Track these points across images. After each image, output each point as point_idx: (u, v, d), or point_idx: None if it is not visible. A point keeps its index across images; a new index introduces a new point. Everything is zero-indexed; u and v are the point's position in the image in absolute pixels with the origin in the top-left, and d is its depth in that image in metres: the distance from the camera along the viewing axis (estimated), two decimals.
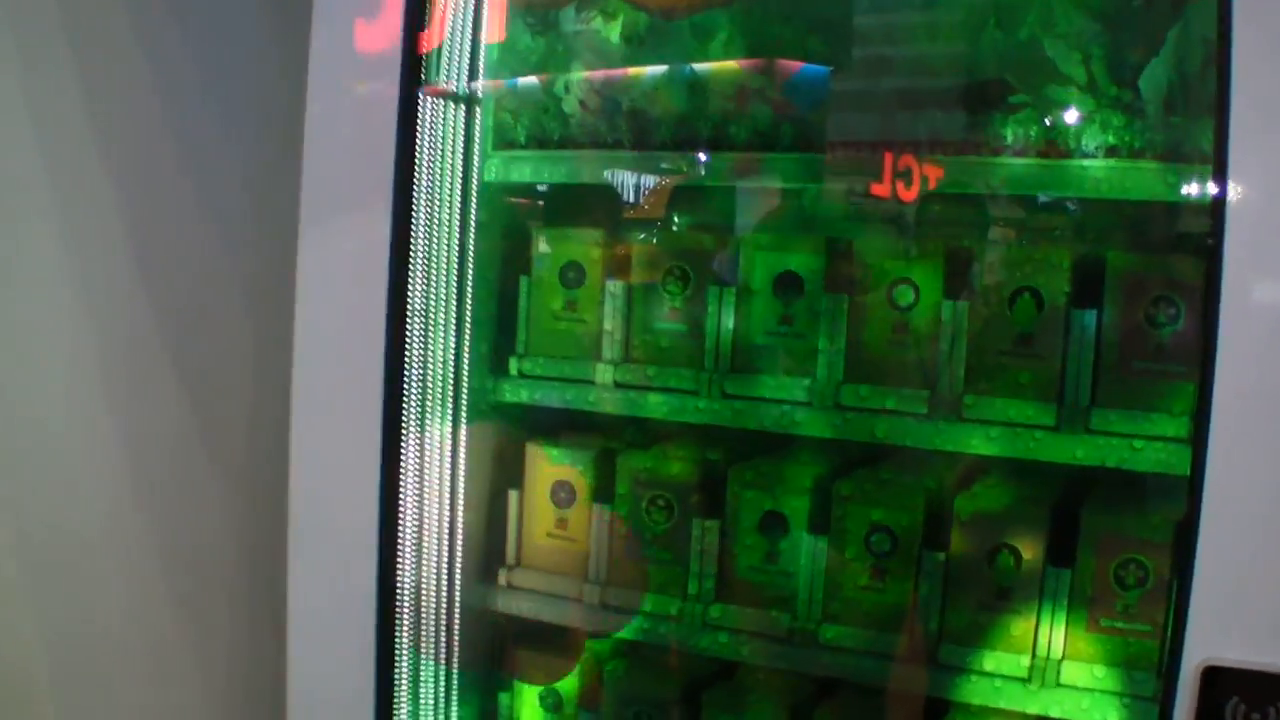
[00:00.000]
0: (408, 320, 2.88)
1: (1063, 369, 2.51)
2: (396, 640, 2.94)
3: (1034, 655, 2.59)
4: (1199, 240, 2.24)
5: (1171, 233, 2.65)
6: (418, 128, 2.88)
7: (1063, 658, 2.57)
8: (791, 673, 2.91)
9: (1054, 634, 2.57)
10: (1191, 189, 2.42)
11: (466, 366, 3.10)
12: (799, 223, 2.93)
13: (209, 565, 3.39)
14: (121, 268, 3.08)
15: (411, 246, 2.89)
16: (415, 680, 3.02)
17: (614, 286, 3.05)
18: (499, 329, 3.24)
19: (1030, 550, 2.56)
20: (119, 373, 3.14)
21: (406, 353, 2.90)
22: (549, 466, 3.18)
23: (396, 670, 2.95)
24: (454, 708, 3.11)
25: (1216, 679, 2.09)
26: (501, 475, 3.29)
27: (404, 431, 2.91)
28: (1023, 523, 2.65)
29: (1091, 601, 2.54)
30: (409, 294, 2.87)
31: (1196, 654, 2.11)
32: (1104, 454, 2.47)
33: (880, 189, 2.69)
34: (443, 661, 3.08)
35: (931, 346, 2.68)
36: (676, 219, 3.20)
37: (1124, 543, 2.53)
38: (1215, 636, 2.11)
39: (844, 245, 2.82)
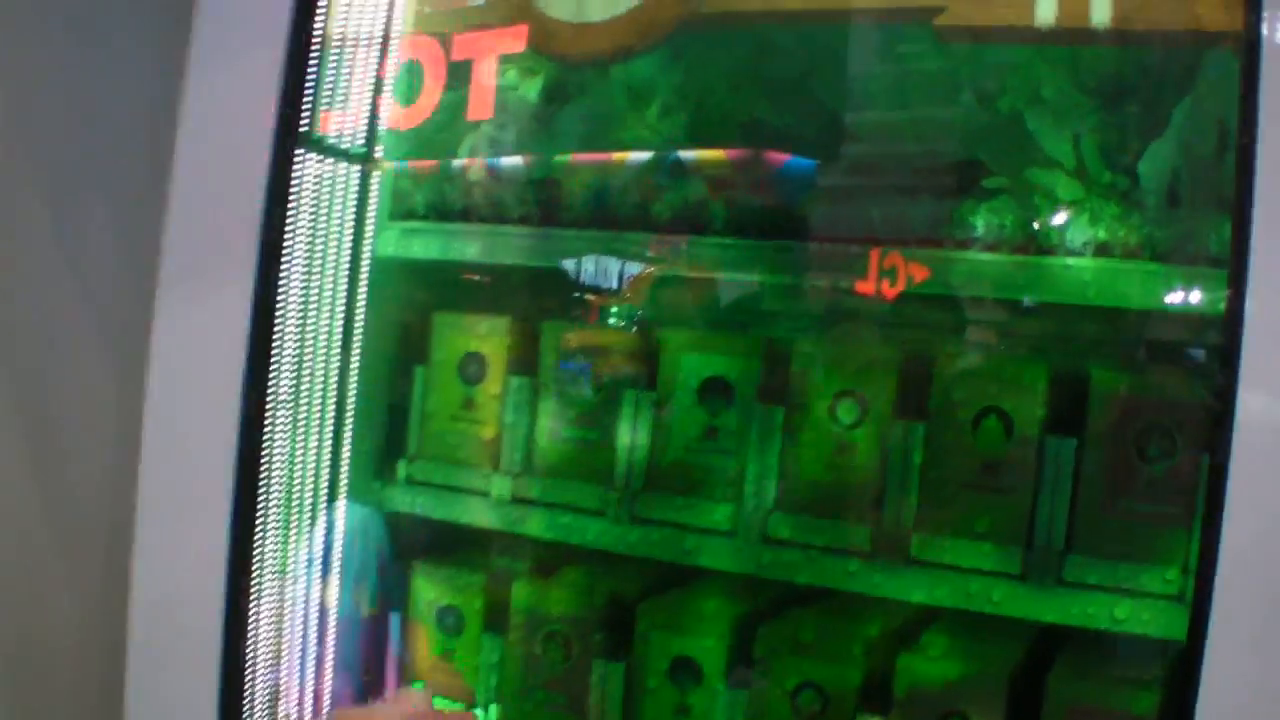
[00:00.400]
0: (266, 410, 2.47)
1: (1033, 507, 2.18)
2: None
3: None
4: (1202, 358, 2.00)
5: (1169, 348, 2.26)
6: (292, 188, 2.46)
7: None
8: None
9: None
10: (1196, 297, 2.05)
11: (345, 468, 2.60)
12: (731, 319, 2.47)
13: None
14: None
15: (278, 325, 2.49)
16: None
17: (517, 383, 2.59)
18: (389, 426, 2.78)
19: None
20: None
21: (265, 447, 2.49)
22: (432, 590, 2.79)
23: None
24: None
25: None
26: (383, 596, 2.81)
27: (258, 538, 2.50)
28: (978, 690, 2.26)
29: None
30: (269, 380, 2.47)
31: None
32: (1079, 612, 2.11)
33: (825, 282, 2.39)
34: None
35: (878, 473, 2.30)
36: (592, 309, 2.74)
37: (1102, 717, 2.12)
38: None
39: (782, 348, 2.41)
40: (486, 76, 2.63)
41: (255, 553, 2.50)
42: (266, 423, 2.47)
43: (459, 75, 2.63)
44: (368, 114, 2.65)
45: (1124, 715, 2.13)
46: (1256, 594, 1.68)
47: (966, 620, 2.35)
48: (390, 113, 2.67)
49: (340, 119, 2.57)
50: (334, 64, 2.53)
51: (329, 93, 2.54)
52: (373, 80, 2.65)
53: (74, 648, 2.90)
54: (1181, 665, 1.72)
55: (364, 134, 2.66)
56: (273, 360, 2.47)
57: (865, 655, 2.36)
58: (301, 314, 2.56)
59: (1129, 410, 2.13)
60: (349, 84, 2.60)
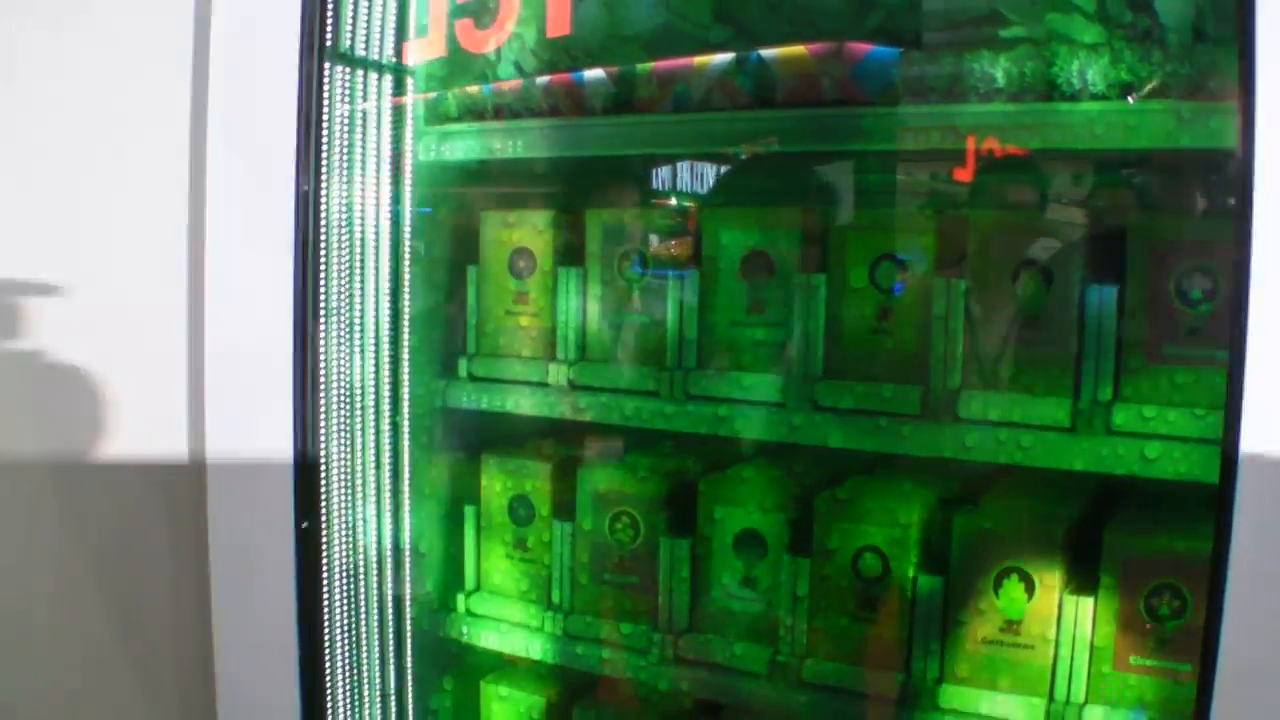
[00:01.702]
0: (320, 320, 2.51)
1: (1078, 358, 2.13)
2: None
3: (1051, 699, 2.20)
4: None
5: (1205, 189, 2.20)
6: (325, 101, 2.49)
7: (1084, 702, 2.18)
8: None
9: (1074, 673, 2.18)
10: (1226, 133, 1.90)
11: (406, 370, 2.64)
12: (767, 193, 2.45)
13: None
14: None
15: (324, 237, 2.50)
16: None
17: (567, 274, 2.60)
18: (447, 326, 2.81)
19: (1045, 576, 2.20)
20: None
21: (321, 355, 2.53)
22: (501, 482, 2.85)
23: None
24: None
25: None
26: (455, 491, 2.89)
27: (324, 444, 2.56)
28: (1034, 546, 2.25)
29: (1119, 637, 2.14)
30: (319, 291, 2.49)
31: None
32: (1124, 460, 2.08)
33: (856, 147, 2.33)
34: None
35: (922, 334, 2.27)
36: (636, 194, 2.74)
37: (1157, 566, 2.12)
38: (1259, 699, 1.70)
39: (820, 217, 2.39)
40: None
41: (321, 454, 2.55)
42: (321, 330, 2.49)
43: None
44: (395, 18, 2.62)
45: (1174, 561, 2.13)
46: None
47: (1024, 478, 2.36)
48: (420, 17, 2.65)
49: (365, 29, 2.55)
50: None
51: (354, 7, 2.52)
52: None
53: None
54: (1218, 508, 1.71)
55: (393, 44, 2.66)
56: (321, 268, 2.51)
57: (922, 518, 2.37)
58: (348, 221, 2.58)
59: (1167, 255, 2.10)
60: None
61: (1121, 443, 2.07)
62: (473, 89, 2.71)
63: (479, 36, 2.62)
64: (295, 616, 2.54)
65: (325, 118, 2.49)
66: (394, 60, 2.64)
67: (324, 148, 2.49)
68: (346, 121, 2.56)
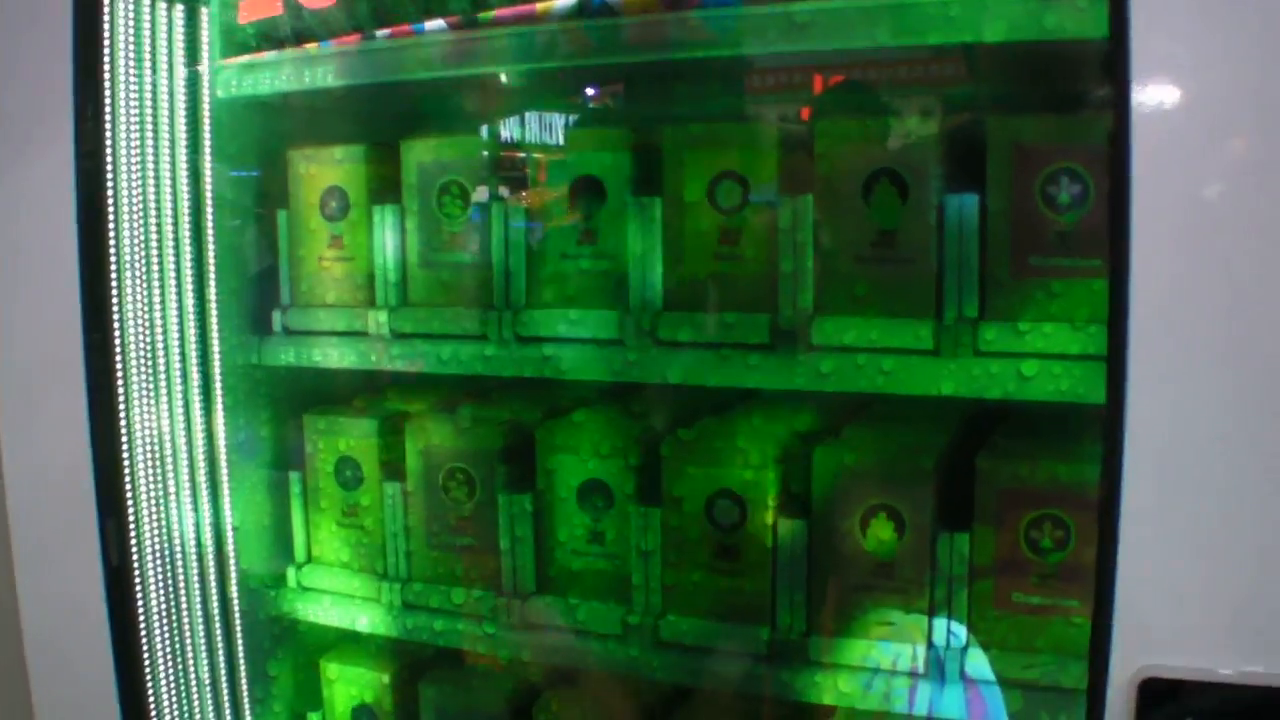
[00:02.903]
0: (112, 277, 2.30)
1: (939, 275, 1.93)
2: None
3: (929, 645, 2.04)
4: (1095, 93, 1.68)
5: (1072, 82, 1.95)
6: (105, 34, 2.26)
7: (966, 646, 1.98)
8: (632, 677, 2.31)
9: (954, 616, 2.00)
10: (1096, 15, 1.69)
11: (215, 327, 2.39)
12: (594, 113, 2.23)
13: None
14: None
15: (113, 184, 2.30)
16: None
17: (382, 213, 2.35)
18: (259, 277, 2.55)
19: (915, 513, 2.01)
20: None
21: (115, 316, 2.31)
22: (327, 443, 2.61)
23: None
24: None
25: (1158, 695, 1.52)
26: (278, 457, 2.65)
27: (123, 414, 2.33)
28: (902, 480, 2.06)
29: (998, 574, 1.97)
30: (108, 243, 2.29)
31: (1130, 657, 1.55)
32: (998, 381, 1.89)
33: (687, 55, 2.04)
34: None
35: (769, 257, 2.04)
36: (454, 124, 2.50)
37: (1036, 495, 1.94)
38: (1153, 633, 1.54)
39: (653, 136, 2.15)
40: None
41: (121, 421, 2.33)
42: (113, 284, 2.26)
43: None
44: None
45: (1055, 489, 1.94)
46: (1176, 340, 1.49)
47: (885, 413, 2.22)
48: None
49: None
50: None
51: None
52: None
53: None
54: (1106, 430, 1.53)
55: None
56: (110, 217, 2.27)
57: (778, 456, 2.16)
58: (141, 169, 2.32)
59: (1031, 157, 1.91)
60: None
61: (993, 362, 1.89)
62: (271, 14, 2.42)
63: None
64: (106, 614, 2.35)
65: (107, 52, 2.26)
66: None
67: (106, 85, 2.27)
68: (133, 56, 2.28)
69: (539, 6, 2.14)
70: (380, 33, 2.32)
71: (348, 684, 2.67)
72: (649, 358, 2.14)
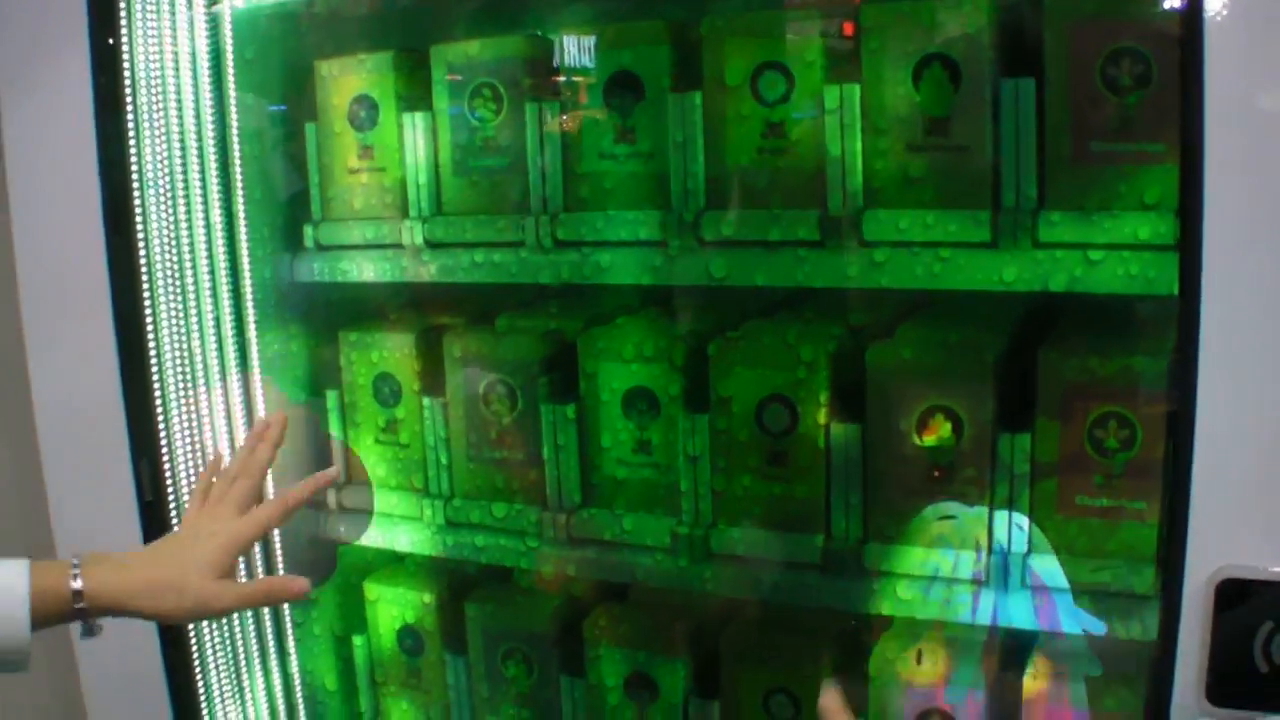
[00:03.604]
0: (134, 193, 2.25)
1: (995, 164, 1.85)
2: None
3: (990, 551, 1.95)
4: None
5: None
6: None
7: (1028, 552, 1.91)
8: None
9: (1013, 521, 1.92)
10: None
11: (244, 243, 2.32)
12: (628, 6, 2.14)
13: None
14: None
15: (133, 101, 2.25)
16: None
17: (412, 120, 2.28)
18: (288, 193, 2.53)
19: (975, 412, 1.93)
20: None
21: (140, 236, 2.27)
22: (362, 357, 2.55)
23: None
24: None
25: (1237, 596, 1.45)
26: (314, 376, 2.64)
27: (151, 336, 2.30)
28: (961, 380, 1.97)
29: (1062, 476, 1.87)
30: (129, 161, 2.24)
31: (1206, 558, 1.49)
32: (1062, 267, 1.81)
33: None
34: None
35: (815, 149, 1.98)
36: (483, 24, 2.41)
37: (1102, 391, 1.84)
38: (1233, 534, 1.47)
39: (690, 29, 2.08)
40: None
41: (149, 343, 2.28)
42: (136, 204, 2.22)
43: None
44: None
45: (1123, 386, 1.86)
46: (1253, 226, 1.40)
47: (942, 305, 2.12)
48: None
49: None
50: None
51: None
52: None
53: None
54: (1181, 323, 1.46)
55: None
56: (130, 134, 2.23)
57: (830, 354, 2.08)
58: (160, 85, 2.29)
59: (1090, 39, 1.80)
60: None
61: (1056, 251, 1.79)
62: None
63: None
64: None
65: None
66: None
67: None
68: None
69: None
70: None
71: (390, 605, 2.61)
72: (693, 257, 2.06)
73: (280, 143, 2.58)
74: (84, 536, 2.26)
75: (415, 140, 2.36)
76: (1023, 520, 1.91)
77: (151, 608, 1.60)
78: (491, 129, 2.27)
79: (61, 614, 1.56)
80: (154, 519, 2.25)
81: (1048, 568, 1.88)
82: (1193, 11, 1.41)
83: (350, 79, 2.42)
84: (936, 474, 1.99)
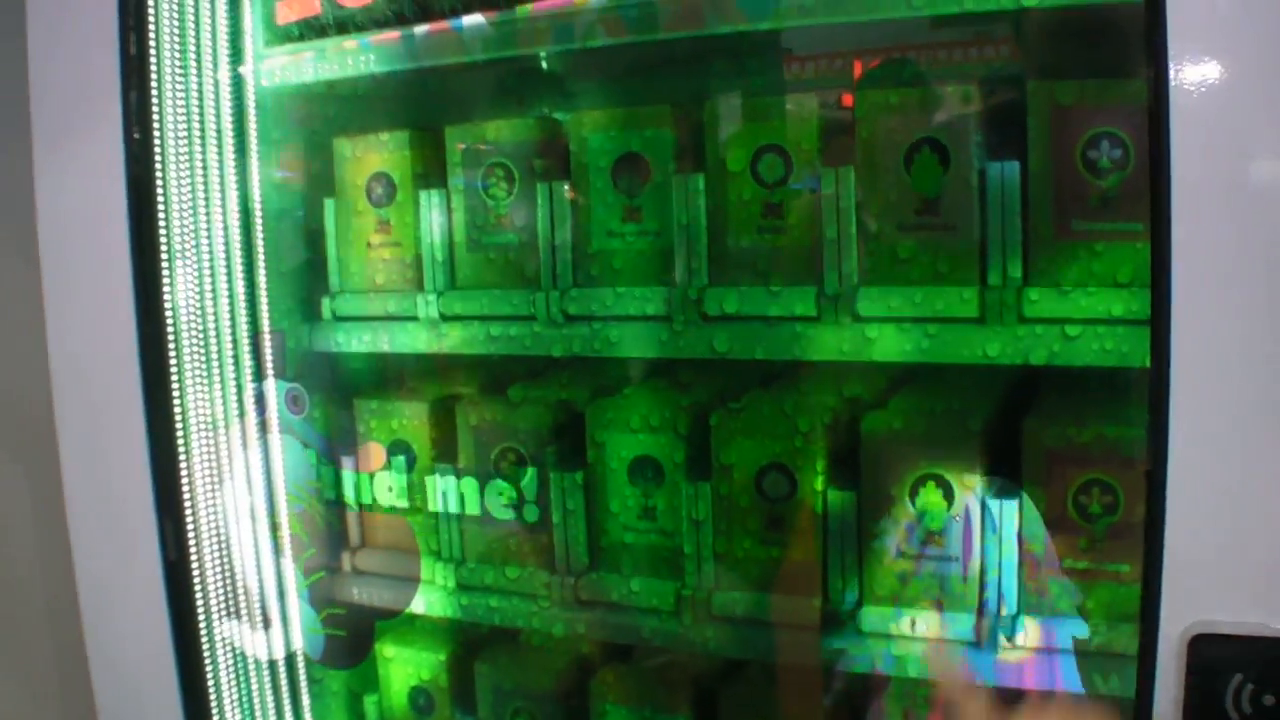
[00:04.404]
0: (160, 266, 2.34)
1: (982, 242, 1.93)
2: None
3: (981, 613, 2.03)
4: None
5: (1110, 47, 1.94)
6: (150, 25, 2.28)
7: (1017, 613, 1.98)
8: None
9: (1003, 582, 2.00)
10: None
11: (265, 313, 2.41)
12: (637, 92, 2.25)
13: None
14: None
15: (160, 177, 2.35)
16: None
17: (429, 197, 2.37)
18: (307, 265, 2.57)
19: (964, 479, 2.03)
20: None
21: (166, 302, 2.36)
22: (380, 425, 2.63)
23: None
24: None
25: (1210, 652, 1.52)
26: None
27: (176, 399, 2.38)
28: (949, 447, 2.07)
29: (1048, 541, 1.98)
30: (158, 234, 2.35)
31: (1180, 614, 1.55)
32: (1042, 342, 1.91)
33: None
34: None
35: (812, 229, 2.06)
36: (496, 106, 2.52)
37: (1084, 458, 1.94)
38: (1204, 590, 1.55)
39: (695, 113, 2.17)
40: None
41: (175, 407, 2.37)
42: (164, 274, 2.31)
43: None
44: None
45: (1103, 452, 1.95)
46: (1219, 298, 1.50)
47: (932, 377, 2.19)
48: None
49: None
50: None
51: None
52: None
53: None
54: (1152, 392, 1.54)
55: None
56: (159, 208, 2.33)
57: (826, 425, 2.17)
58: (189, 162, 2.35)
59: (1071, 120, 1.91)
60: None
61: (1037, 326, 1.88)
62: (315, 4, 2.45)
63: None
64: (166, 605, 2.41)
65: (152, 41, 2.30)
66: None
67: (153, 75, 2.32)
68: (178, 47, 2.31)
69: None
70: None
71: (404, 664, 2.68)
72: (696, 331, 2.15)
73: (299, 216, 2.63)
74: (108, 595, 2.34)
75: (431, 217, 2.44)
76: (1012, 583, 1.98)
77: None
78: (505, 207, 2.36)
79: None
80: (177, 577, 2.31)
81: (1038, 628, 1.96)
82: (1158, 98, 1.49)
83: (369, 156, 2.52)
84: (929, 539, 2.05)
